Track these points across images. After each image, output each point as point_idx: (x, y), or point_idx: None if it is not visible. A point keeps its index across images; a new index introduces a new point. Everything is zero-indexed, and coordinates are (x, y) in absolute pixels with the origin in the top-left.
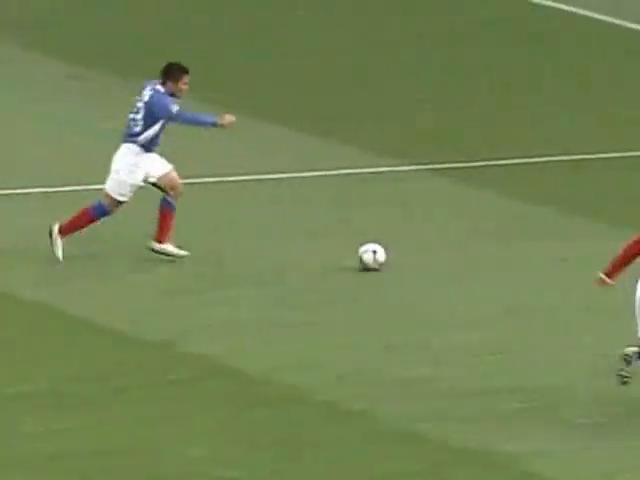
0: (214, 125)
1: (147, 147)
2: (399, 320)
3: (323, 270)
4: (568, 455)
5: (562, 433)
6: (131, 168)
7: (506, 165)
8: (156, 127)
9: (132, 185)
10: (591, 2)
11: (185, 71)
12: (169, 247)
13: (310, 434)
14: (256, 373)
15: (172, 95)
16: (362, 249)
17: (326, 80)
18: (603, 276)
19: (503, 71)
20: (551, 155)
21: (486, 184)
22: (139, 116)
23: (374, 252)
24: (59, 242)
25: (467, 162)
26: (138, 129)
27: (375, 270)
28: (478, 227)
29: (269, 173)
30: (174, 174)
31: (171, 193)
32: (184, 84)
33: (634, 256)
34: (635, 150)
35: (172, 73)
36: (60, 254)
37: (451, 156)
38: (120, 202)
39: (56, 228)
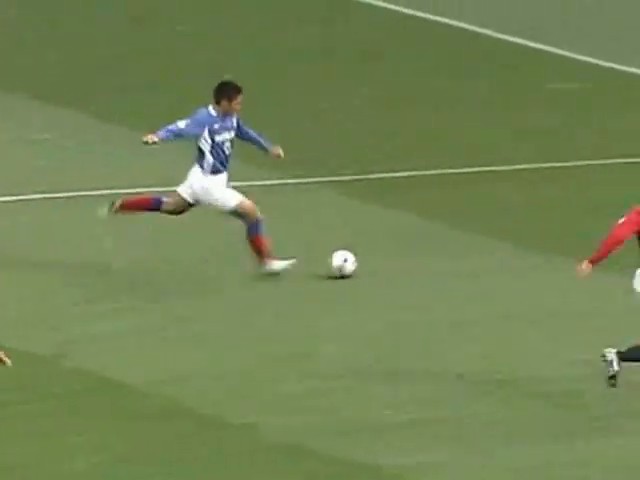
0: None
1: (213, 171)
2: (285, 332)
3: (210, 282)
4: (455, 467)
5: (449, 445)
6: (210, 189)
7: (394, 178)
8: (205, 145)
9: (227, 189)
10: None
11: (239, 90)
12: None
13: (194, 447)
14: (140, 386)
15: (225, 114)
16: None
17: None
18: (588, 265)
19: (394, 84)
20: (441, 168)
21: (375, 197)
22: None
23: (345, 260)
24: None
25: (354, 175)
26: (197, 146)
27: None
28: (366, 240)
29: (159, 185)
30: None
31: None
32: (237, 104)
33: (615, 245)
34: (521, 163)
35: (226, 92)
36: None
37: (339, 169)
38: (241, 204)
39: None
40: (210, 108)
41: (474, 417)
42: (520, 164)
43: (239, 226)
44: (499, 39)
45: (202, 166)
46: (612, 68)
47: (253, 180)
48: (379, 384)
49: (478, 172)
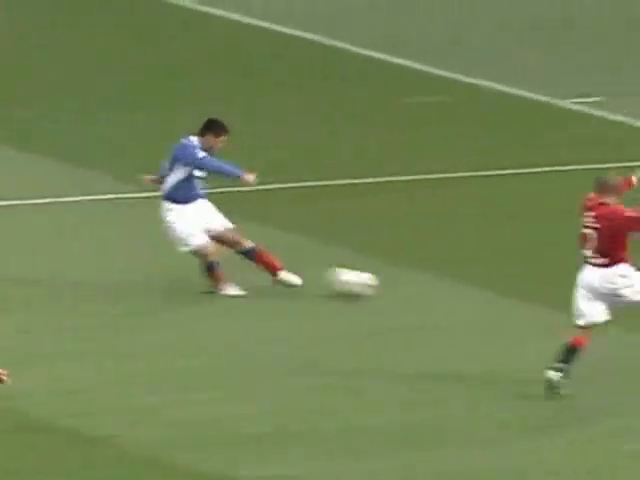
0: (238, 177)
1: (174, 199)
2: (142, 346)
3: (77, 297)
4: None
5: (303, 456)
6: (173, 223)
7: (256, 192)
8: (179, 174)
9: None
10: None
11: (226, 130)
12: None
13: (54, 460)
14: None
15: (208, 150)
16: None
17: (66, 107)
18: None
19: (256, 99)
20: (302, 181)
21: (229, 210)
22: (167, 162)
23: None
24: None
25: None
26: (165, 173)
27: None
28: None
29: (15, 199)
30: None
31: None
32: (221, 142)
33: None
34: (384, 175)
35: (214, 128)
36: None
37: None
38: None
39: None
40: (191, 138)
41: (330, 430)
42: (382, 177)
43: None
44: (358, 53)
45: (170, 196)
46: (470, 83)
47: (111, 193)
48: (234, 396)
49: (339, 185)
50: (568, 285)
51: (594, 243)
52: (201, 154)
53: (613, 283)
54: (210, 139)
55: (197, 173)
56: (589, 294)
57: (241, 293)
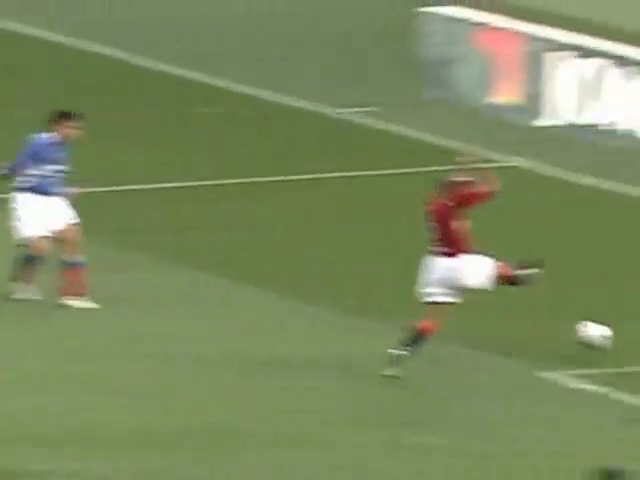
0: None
1: (29, 189)
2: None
3: None
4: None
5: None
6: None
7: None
8: (39, 171)
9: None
10: None
11: (70, 116)
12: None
13: None
14: None
15: (65, 138)
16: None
17: None
18: None
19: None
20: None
21: None
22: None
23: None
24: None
25: None
26: (17, 166)
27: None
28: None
29: None
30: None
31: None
32: (70, 127)
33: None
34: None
35: (59, 119)
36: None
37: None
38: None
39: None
40: (43, 135)
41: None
42: (157, 184)
43: None
44: (146, 66)
45: (26, 188)
46: (247, 94)
47: None
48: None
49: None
50: None
51: (437, 236)
52: (48, 169)
53: (455, 271)
54: (63, 129)
55: (57, 168)
56: (434, 279)
57: (38, 298)
